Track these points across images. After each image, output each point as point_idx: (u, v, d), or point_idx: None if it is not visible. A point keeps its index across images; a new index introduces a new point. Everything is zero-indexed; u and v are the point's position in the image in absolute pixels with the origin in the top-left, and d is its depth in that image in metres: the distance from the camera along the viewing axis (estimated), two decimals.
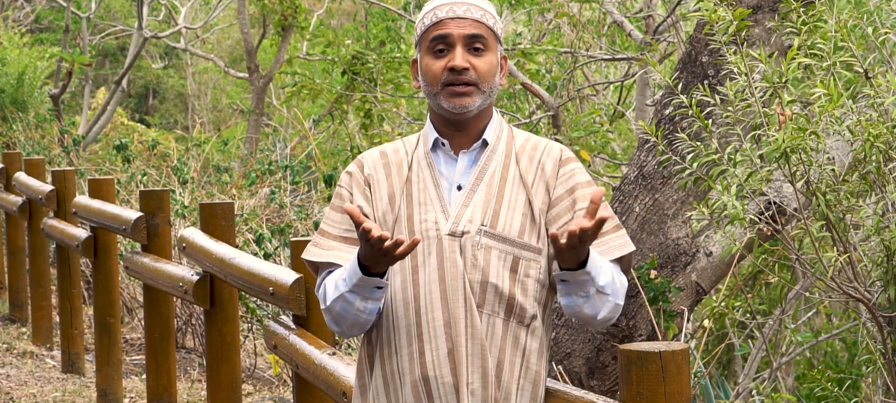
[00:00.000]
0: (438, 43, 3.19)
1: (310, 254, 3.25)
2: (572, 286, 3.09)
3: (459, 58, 3.17)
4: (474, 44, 3.19)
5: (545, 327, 3.24)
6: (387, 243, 2.99)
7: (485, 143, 3.23)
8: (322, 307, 3.21)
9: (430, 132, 3.26)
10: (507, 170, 3.22)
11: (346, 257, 3.20)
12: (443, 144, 3.23)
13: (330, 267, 3.23)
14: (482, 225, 3.15)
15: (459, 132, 3.24)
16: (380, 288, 3.11)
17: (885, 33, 4.83)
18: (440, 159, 3.24)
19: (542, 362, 3.22)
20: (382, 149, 3.31)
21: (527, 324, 3.19)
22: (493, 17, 3.24)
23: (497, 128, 3.26)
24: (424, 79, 3.22)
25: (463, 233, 3.15)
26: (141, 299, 9.23)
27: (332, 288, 3.16)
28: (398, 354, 3.18)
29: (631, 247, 3.21)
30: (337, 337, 5.94)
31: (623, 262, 3.23)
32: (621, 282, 3.18)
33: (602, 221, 2.92)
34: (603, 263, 3.12)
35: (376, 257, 3.03)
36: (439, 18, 3.20)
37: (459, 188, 3.20)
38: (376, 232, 2.98)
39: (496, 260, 3.15)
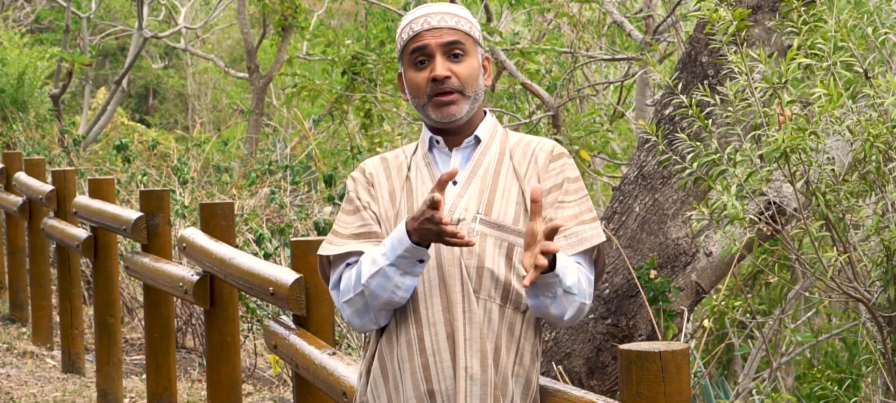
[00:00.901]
0: (418, 55, 3.25)
1: (326, 250, 3.27)
2: (540, 287, 3.12)
3: (440, 67, 3.22)
4: (453, 50, 3.24)
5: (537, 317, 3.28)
6: (447, 227, 3.01)
7: (477, 140, 3.29)
8: (345, 298, 3.22)
9: (426, 133, 3.33)
10: (500, 164, 3.28)
11: (364, 249, 3.23)
12: (437, 142, 3.30)
13: (346, 263, 3.26)
14: (477, 213, 3.19)
15: (451, 135, 3.31)
16: (422, 261, 3.12)
17: (885, 33, 4.83)
18: (437, 158, 3.31)
19: (536, 350, 3.26)
20: (383, 155, 3.39)
21: (523, 310, 3.23)
22: (469, 21, 3.29)
23: (490, 128, 3.32)
24: (410, 93, 3.29)
25: (458, 221, 3.20)
26: (141, 299, 9.23)
27: (368, 265, 3.17)
28: (398, 343, 3.22)
29: (601, 238, 3.23)
30: (337, 337, 5.94)
31: (594, 254, 3.26)
32: (588, 279, 3.22)
33: (554, 230, 2.95)
34: (569, 263, 3.16)
35: (427, 230, 3.05)
36: (416, 31, 3.25)
37: (455, 183, 3.26)
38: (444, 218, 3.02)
39: (492, 247, 3.19)
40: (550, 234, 2.97)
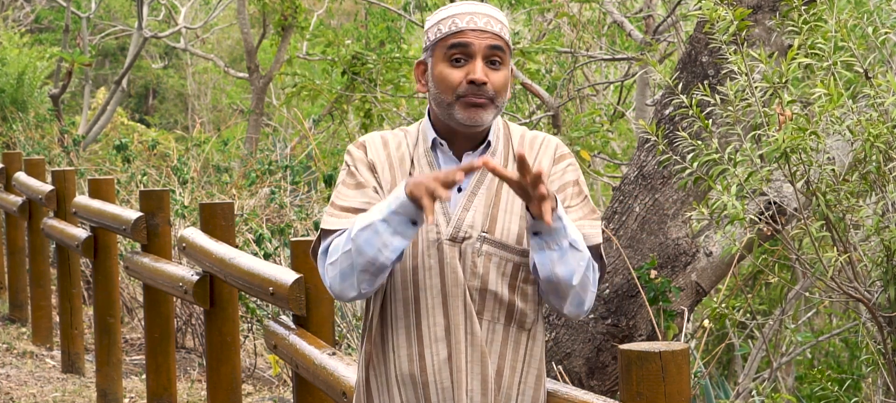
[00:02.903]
0: (457, 51, 3.15)
1: (328, 223, 3.19)
2: (545, 238, 3.05)
3: (480, 71, 3.14)
4: (493, 57, 3.16)
5: (542, 329, 3.26)
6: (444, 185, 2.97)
7: (488, 145, 3.23)
8: (331, 260, 3.14)
9: (428, 131, 3.24)
10: (507, 170, 3.22)
11: None
12: (441, 145, 3.22)
13: (339, 232, 3.17)
14: (483, 232, 3.15)
15: (463, 137, 3.22)
16: (415, 224, 3.04)
17: (885, 33, 4.83)
18: (440, 159, 3.23)
19: (542, 365, 3.24)
20: (383, 137, 3.28)
21: (528, 329, 3.20)
22: (508, 30, 3.22)
23: (496, 130, 3.25)
24: (437, 86, 3.18)
25: (464, 239, 3.15)
26: (141, 299, 9.23)
27: (360, 221, 3.09)
28: (396, 354, 3.18)
29: (599, 238, 3.20)
30: (337, 337, 5.94)
31: (599, 251, 3.23)
32: (593, 264, 3.17)
33: (537, 176, 2.94)
34: (573, 224, 3.11)
35: (422, 186, 3.01)
36: (460, 27, 3.16)
37: (460, 190, 3.20)
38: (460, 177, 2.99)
39: (495, 268, 3.15)
40: (535, 179, 2.94)
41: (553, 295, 3.15)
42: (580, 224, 3.19)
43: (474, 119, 3.15)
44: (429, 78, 3.21)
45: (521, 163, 2.94)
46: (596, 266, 3.20)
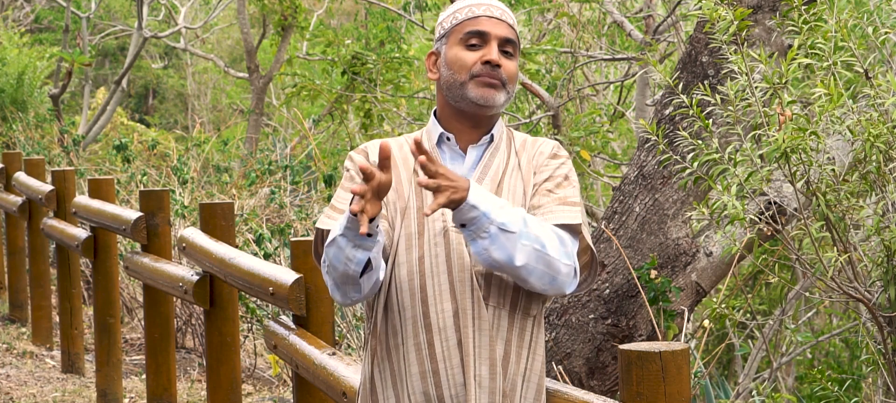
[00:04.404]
0: (473, 37, 3.25)
1: (321, 223, 3.27)
2: (471, 230, 3.07)
3: (495, 53, 3.24)
4: (506, 47, 3.27)
5: (543, 323, 3.30)
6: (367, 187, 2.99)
7: (491, 138, 3.29)
8: (324, 270, 3.21)
9: (433, 127, 3.31)
10: (508, 164, 3.28)
11: None
12: (447, 139, 3.29)
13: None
14: None
15: (469, 127, 3.28)
16: (370, 235, 3.07)
17: (886, 33, 4.82)
18: (445, 154, 3.29)
19: (544, 358, 3.28)
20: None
21: (532, 316, 3.24)
22: (517, 27, 3.34)
23: (500, 128, 3.33)
24: (451, 68, 3.26)
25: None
26: (141, 299, 9.23)
27: (331, 233, 3.16)
28: (404, 345, 3.20)
29: (575, 220, 3.20)
30: (337, 337, 5.94)
31: (579, 237, 3.23)
32: (560, 236, 3.15)
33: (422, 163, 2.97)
34: (506, 206, 3.10)
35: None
36: (476, 15, 3.27)
37: None
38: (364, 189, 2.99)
39: None
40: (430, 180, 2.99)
41: (516, 280, 3.17)
42: (557, 208, 3.20)
43: (487, 98, 3.23)
44: (441, 63, 3.29)
45: (423, 167, 2.98)
46: (564, 239, 3.17)
